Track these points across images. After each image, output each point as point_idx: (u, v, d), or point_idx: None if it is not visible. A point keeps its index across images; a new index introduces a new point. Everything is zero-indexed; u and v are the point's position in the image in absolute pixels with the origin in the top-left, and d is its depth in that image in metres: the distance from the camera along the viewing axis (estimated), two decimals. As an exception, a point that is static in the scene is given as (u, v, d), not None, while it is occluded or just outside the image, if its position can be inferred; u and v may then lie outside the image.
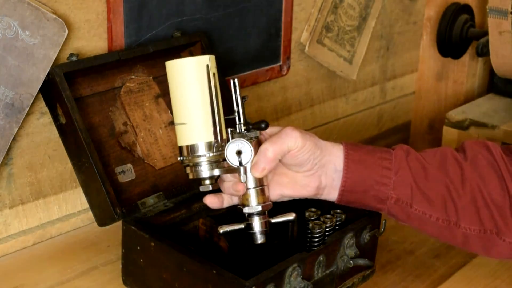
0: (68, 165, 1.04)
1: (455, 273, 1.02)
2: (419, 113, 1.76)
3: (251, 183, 0.87)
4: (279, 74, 1.36)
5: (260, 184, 0.88)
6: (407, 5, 1.63)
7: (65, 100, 0.94)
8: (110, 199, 0.94)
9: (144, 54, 1.05)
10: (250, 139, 0.86)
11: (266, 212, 0.89)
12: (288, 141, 0.86)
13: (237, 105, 0.87)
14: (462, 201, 0.89)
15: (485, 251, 0.91)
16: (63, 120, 0.97)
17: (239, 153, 0.85)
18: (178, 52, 1.13)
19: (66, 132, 0.98)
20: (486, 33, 1.54)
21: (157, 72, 1.10)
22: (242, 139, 0.85)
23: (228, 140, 0.86)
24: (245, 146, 0.84)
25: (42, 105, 1.01)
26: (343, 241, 0.91)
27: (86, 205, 1.04)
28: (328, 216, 0.93)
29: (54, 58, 0.96)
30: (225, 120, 0.87)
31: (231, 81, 0.87)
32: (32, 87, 0.95)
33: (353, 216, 0.94)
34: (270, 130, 0.91)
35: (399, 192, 0.89)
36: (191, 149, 0.85)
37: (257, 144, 0.88)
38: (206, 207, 0.91)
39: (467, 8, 1.66)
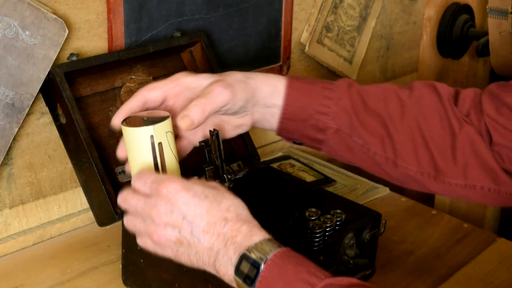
0: (68, 165, 1.04)
1: (455, 273, 1.02)
2: (419, 113, 1.76)
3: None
4: (279, 74, 1.36)
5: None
6: (407, 5, 1.63)
7: (65, 100, 0.95)
8: (110, 199, 0.94)
9: (144, 54, 1.05)
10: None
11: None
12: (218, 99, 0.83)
13: (220, 157, 0.89)
14: (400, 137, 0.87)
15: (421, 188, 0.90)
16: (63, 120, 0.97)
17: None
18: (178, 52, 1.13)
19: (66, 132, 0.98)
20: (486, 33, 1.54)
21: (157, 72, 1.10)
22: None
23: None
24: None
25: (42, 105, 1.01)
26: (343, 241, 0.91)
27: (86, 205, 1.04)
28: (328, 216, 0.93)
29: (54, 58, 0.96)
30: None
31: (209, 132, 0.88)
32: (32, 87, 0.95)
33: (353, 216, 0.94)
34: (195, 83, 0.88)
35: (338, 122, 0.88)
36: None
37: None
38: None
39: (467, 8, 1.66)
